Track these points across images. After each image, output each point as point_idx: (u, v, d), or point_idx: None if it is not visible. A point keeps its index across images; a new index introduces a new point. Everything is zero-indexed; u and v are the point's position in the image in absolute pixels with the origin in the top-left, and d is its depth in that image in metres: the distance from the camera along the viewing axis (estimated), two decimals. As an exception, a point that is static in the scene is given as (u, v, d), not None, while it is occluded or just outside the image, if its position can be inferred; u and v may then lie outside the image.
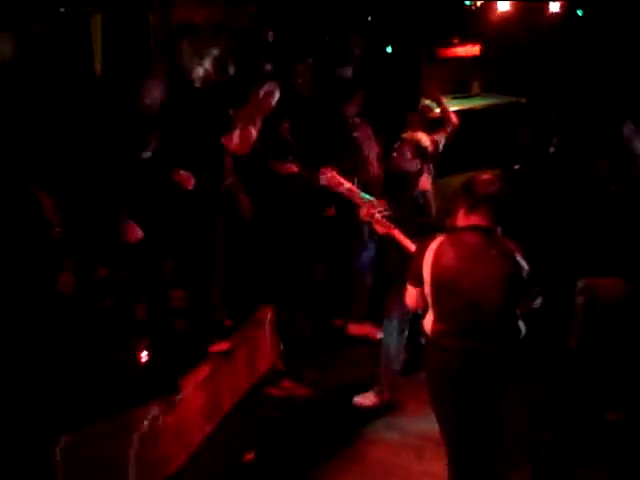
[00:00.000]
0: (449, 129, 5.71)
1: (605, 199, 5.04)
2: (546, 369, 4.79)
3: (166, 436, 4.09)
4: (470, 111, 7.70)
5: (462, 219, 3.23)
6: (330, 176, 4.57)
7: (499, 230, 3.22)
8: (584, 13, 8.11)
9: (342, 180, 4.59)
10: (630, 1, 7.53)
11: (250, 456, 4.37)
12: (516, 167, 6.01)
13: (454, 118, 5.79)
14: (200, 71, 4.87)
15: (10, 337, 3.54)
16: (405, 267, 3.53)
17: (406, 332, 4.81)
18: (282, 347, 5.46)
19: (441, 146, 5.50)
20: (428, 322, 3.33)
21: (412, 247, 4.05)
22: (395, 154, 4.67)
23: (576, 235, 4.91)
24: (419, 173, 4.63)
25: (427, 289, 3.28)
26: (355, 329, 5.88)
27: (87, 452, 3.60)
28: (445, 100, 6.01)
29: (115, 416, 3.75)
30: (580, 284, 4.77)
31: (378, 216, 4.42)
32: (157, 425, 3.97)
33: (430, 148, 4.68)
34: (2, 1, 4.37)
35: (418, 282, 3.32)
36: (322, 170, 4.61)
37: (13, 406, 3.45)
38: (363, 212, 4.49)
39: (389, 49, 7.89)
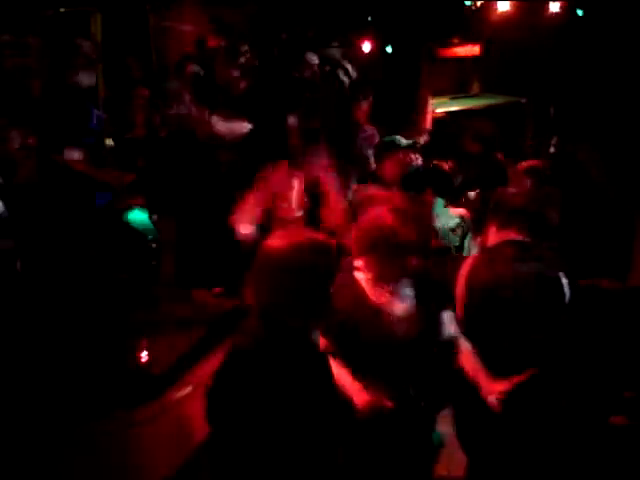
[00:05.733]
0: None
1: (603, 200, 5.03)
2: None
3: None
4: (470, 111, 7.70)
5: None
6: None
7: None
8: (584, 13, 8.10)
9: None
10: (630, 1, 7.53)
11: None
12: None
13: None
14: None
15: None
16: None
17: None
18: None
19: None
20: None
21: None
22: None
23: (575, 236, 4.90)
24: None
25: None
26: None
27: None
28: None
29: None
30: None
31: None
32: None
33: None
34: (3, 1, 4.38)
35: None
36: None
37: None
38: None
39: (389, 49, 7.90)
